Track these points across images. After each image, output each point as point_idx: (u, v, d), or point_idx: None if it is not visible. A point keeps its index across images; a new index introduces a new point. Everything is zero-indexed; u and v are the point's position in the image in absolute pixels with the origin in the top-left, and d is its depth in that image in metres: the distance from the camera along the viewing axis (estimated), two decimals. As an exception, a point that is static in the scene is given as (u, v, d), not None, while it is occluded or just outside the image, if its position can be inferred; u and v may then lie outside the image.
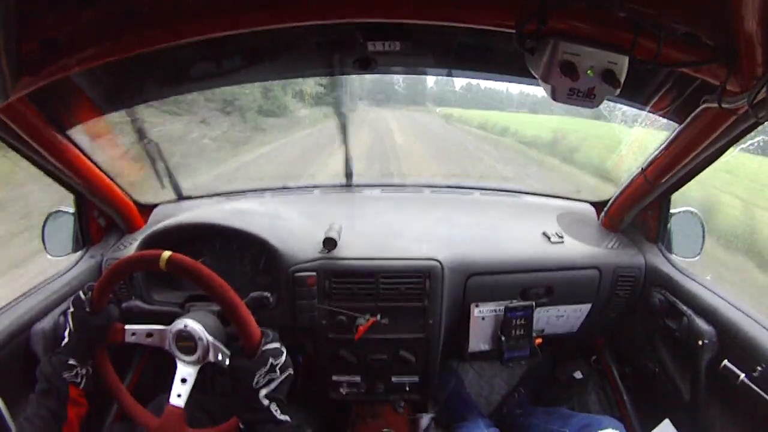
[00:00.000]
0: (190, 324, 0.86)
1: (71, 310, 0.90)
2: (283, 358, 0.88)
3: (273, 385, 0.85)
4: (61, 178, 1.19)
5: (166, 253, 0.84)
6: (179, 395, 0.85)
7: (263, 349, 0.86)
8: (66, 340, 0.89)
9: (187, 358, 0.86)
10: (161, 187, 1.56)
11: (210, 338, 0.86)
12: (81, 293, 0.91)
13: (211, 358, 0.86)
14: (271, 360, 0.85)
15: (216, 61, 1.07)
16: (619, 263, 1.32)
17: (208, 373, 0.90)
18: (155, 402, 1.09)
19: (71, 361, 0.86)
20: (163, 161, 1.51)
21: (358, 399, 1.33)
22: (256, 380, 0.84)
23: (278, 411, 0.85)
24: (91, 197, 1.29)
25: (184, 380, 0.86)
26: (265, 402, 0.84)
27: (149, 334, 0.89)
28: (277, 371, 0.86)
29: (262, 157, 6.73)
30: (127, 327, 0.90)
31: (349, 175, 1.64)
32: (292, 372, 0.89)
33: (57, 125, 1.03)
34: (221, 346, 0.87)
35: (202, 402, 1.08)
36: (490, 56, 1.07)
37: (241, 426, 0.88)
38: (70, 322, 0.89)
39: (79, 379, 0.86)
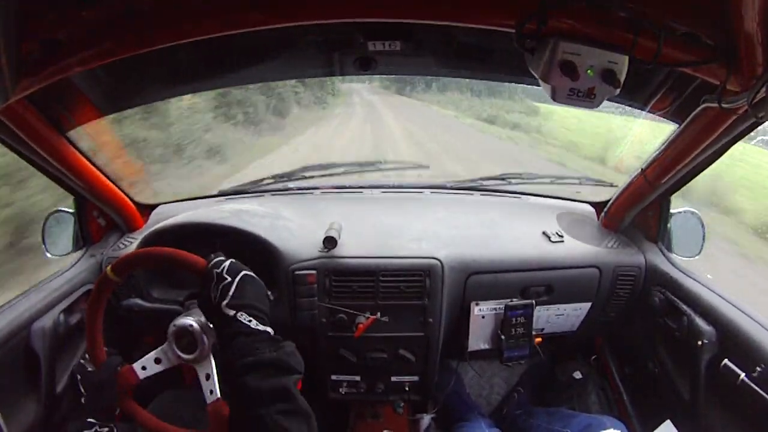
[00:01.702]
0: (178, 321, 0.85)
1: (79, 378, 0.91)
2: (228, 263, 0.83)
3: (230, 293, 0.79)
4: (60, 179, 1.19)
5: (108, 268, 0.85)
6: (211, 391, 0.82)
7: (207, 267, 0.83)
8: (85, 404, 0.90)
9: (196, 355, 0.85)
10: (164, 187, 1.56)
11: (198, 321, 0.84)
12: (80, 360, 0.91)
13: (212, 339, 0.85)
14: (215, 270, 0.81)
15: (216, 61, 1.07)
16: (619, 262, 1.32)
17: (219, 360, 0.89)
18: (156, 403, 1.09)
19: (91, 420, 0.85)
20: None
21: (358, 399, 1.33)
22: (212, 296, 0.80)
23: (251, 321, 0.77)
24: (91, 198, 1.29)
25: (207, 376, 0.84)
26: (230, 312, 0.77)
27: (157, 360, 0.87)
28: (226, 276, 0.80)
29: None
30: (134, 365, 0.88)
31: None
32: (249, 273, 0.83)
33: (57, 126, 1.02)
34: (210, 325, 0.85)
35: (203, 401, 1.08)
36: (491, 56, 1.07)
37: (216, 345, 0.84)
38: (81, 388, 0.90)
39: None
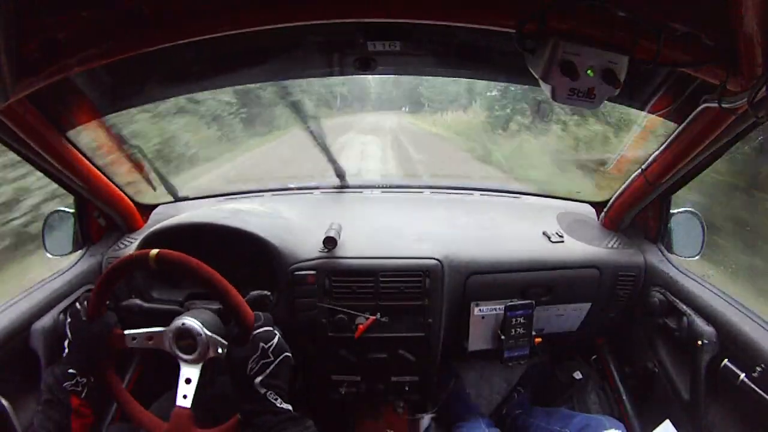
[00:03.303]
0: (188, 321, 0.86)
1: (69, 320, 0.90)
2: (276, 340, 0.85)
3: (267, 371, 0.82)
4: (60, 179, 1.19)
5: (154, 251, 0.84)
6: (185, 396, 0.84)
7: (254, 333, 0.84)
8: (66, 350, 0.89)
9: (189, 357, 0.86)
10: (162, 189, 1.57)
11: (208, 333, 0.85)
12: (77, 303, 0.90)
13: (211, 353, 0.85)
14: (262, 344, 0.83)
15: (216, 62, 1.07)
16: (619, 263, 1.32)
17: (208, 372, 0.90)
18: (157, 403, 1.09)
19: (71, 371, 0.85)
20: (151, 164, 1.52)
21: (358, 399, 1.33)
22: (249, 367, 0.82)
23: (277, 399, 0.81)
24: (92, 198, 1.29)
25: (188, 380, 0.85)
26: (262, 390, 0.81)
27: (149, 338, 0.89)
28: (270, 355, 0.83)
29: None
30: (126, 332, 0.89)
31: (341, 176, 1.62)
32: (288, 355, 0.86)
33: (57, 127, 1.02)
34: (220, 339, 0.86)
35: (204, 402, 1.08)
36: (491, 56, 1.07)
37: (240, 418, 0.86)
38: (68, 333, 0.89)
39: (80, 389, 0.85)
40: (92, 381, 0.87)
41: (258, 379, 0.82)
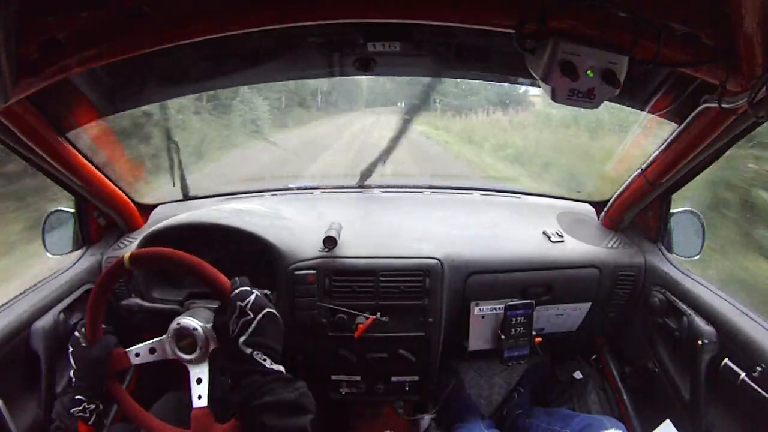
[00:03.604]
0: (183, 321, 0.86)
1: (71, 350, 0.89)
2: (253, 297, 0.82)
3: (250, 329, 0.79)
4: (60, 180, 1.19)
5: (126, 255, 0.84)
6: (200, 396, 0.84)
7: (231, 295, 0.83)
8: (72, 379, 0.88)
9: (193, 356, 0.86)
10: (171, 186, 1.58)
11: (203, 325, 0.85)
12: (75, 332, 0.90)
13: (212, 345, 0.85)
14: (238, 303, 0.81)
15: (216, 62, 1.07)
16: (619, 262, 1.32)
17: (215, 367, 0.89)
18: (159, 404, 1.09)
19: (79, 397, 0.85)
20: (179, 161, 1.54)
21: (358, 399, 1.33)
22: (231, 329, 0.80)
23: (267, 360, 0.79)
24: (91, 198, 1.29)
25: (199, 380, 0.85)
26: (247, 350, 0.78)
27: (152, 350, 0.89)
28: (249, 312, 0.80)
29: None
30: (128, 350, 0.89)
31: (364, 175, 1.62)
32: (271, 311, 0.83)
33: (57, 127, 1.02)
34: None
35: (217, 397, 1.08)
36: (490, 57, 1.07)
37: (229, 381, 0.86)
38: (71, 362, 0.88)
39: (87, 414, 0.85)
40: (100, 407, 0.87)
41: (241, 339, 0.79)
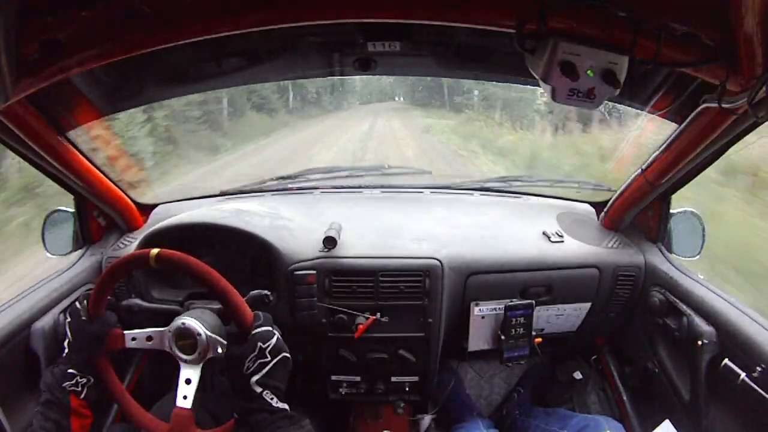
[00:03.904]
0: (188, 321, 0.86)
1: (68, 320, 0.90)
2: (274, 340, 0.85)
3: (264, 371, 0.82)
4: (60, 179, 1.19)
5: (155, 251, 0.84)
6: (185, 397, 0.84)
7: (253, 333, 0.84)
8: (66, 350, 0.88)
9: (189, 357, 0.86)
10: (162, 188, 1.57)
11: (208, 332, 0.85)
12: (77, 302, 0.90)
13: (211, 353, 0.85)
14: (260, 344, 0.83)
15: (216, 62, 1.07)
16: (619, 262, 1.32)
17: (208, 373, 0.90)
18: (159, 404, 1.09)
19: (71, 371, 0.85)
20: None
21: (358, 399, 1.33)
22: (246, 366, 0.82)
23: (274, 399, 0.81)
24: (91, 198, 1.29)
25: (188, 381, 0.85)
26: (258, 389, 0.81)
27: (149, 338, 0.88)
28: (267, 355, 0.83)
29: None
30: (126, 332, 0.89)
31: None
32: (287, 356, 0.86)
33: (57, 127, 1.02)
34: (219, 339, 0.86)
35: (203, 402, 1.08)
36: (490, 57, 1.07)
37: (236, 415, 0.86)
38: (68, 332, 0.88)
39: (79, 389, 0.85)
40: (92, 381, 0.87)
41: (254, 378, 0.82)
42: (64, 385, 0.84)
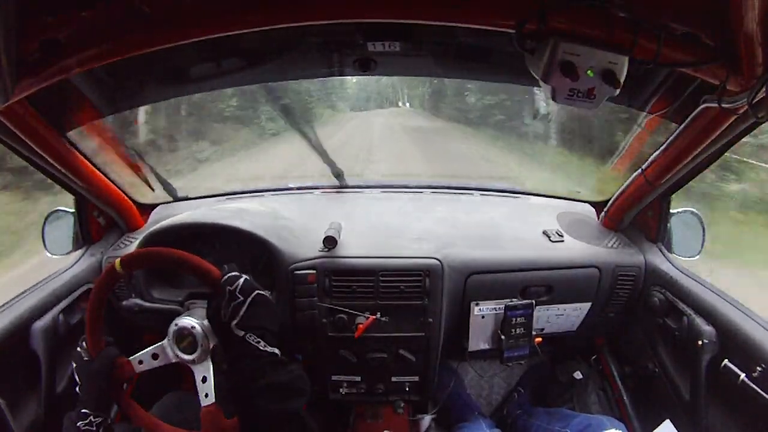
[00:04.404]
0: (180, 321, 0.86)
1: (74, 365, 0.90)
2: (241, 281, 0.83)
3: (241, 313, 0.80)
4: (60, 179, 1.19)
5: (117, 261, 0.85)
6: (207, 395, 0.83)
7: (221, 282, 0.83)
8: (80, 394, 0.88)
9: (194, 356, 0.85)
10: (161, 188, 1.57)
11: (200, 322, 0.85)
12: (78, 347, 0.90)
13: (212, 342, 0.85)
14: (228, 287, 0.81)
15: (216, 62, 1.07)
16: (619, 262, 1.32)
17: (218, 363, 0.89)
18: (159, 404, 1.09)
19: (84, 411, 0.85)
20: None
21: (358, 399, 1.33)
22: (222, 314, 0.80)
23: (260, 342, 0.79)
24: (92, 198, 1.29)
25: (204, 379, 0.84)
26: (239, 333, 0.79)
27: (155, 356, 0.88)
28: (238, 296, 0.81)
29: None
30: (131, 358, 0.89)
31: (338, 175, 1.61)
32: (261, 293, 0.84)
33: (57, 127, 1.03)
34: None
35: (222, 393, 1.08)
36: (490, 57, 1.07)
37: (224, 366, 0.85)
38: (76, 376, 0.88)
39: (94, 428, 0.84)
40: (106, 419, 0.87)
41: (233, 323, 0.80)
42: (78, 425, 0.84)
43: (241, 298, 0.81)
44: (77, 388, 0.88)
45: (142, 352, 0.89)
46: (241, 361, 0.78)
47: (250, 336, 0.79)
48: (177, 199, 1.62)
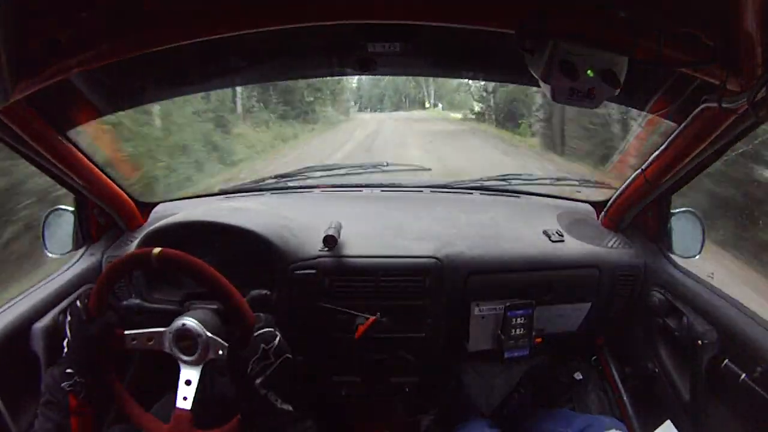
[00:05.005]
0: (188, 322, 0.85)
1: (68, 319, 0.89)
2: (276, 342, 0.85)
3: (268, 372, 0.82)
4: (61, 178, 1.19)
5: (157, 250, 0.84)
6: (185, 398, 0.84)
7: (255, 335, 0.84)
8: (65, 349, 0.88)
9: (189, 358, 0.86)
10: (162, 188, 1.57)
11: (208, 334, 0.85)
12: (77, 301, 0.90)
13: (211, 354, 0.85)
14: (262, 346, 0.83)
15: (217, 62, 1.07)
16: (619, 262, 1.32)
17: (207, 373, 0.90)
18: (158, 404, 1.09)
19: (69, 371, 0.84)
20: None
21: (358, 400, 1.33)
22: (250, 368, 0.82)
23: (278, 400, 0.82)
24: (92, 197, 1.29)
25: (188, 382, 0.85)
26: (262, 391, 0.82)
27: (149, 338, 0.88)
28: (271, 356, 0.83)
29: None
30: (126, 332, 0.89)
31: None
32: (289, 357, 0.86)
33: (57, 126, 1.03)
34: (220, 340, 0.86)
35: (203, 403, 1.08)
36: (491, 57, 1.07)
37: (240, 419, 0.86)
38: (68, 332, 0.88)
39: (78, 388, 0.84)
40: (91, 380, 0.86)
41: (258, 380, 0.82)
42: (62, 385, 0.83)
43: (273, 360, 0.83)
44: (65, 343, 0.87)
45: (139, 331, 0.89)
46: (262, 417, 0.82)
47: (271, 394, 0.82)
48: (177, 198, 1.62)
